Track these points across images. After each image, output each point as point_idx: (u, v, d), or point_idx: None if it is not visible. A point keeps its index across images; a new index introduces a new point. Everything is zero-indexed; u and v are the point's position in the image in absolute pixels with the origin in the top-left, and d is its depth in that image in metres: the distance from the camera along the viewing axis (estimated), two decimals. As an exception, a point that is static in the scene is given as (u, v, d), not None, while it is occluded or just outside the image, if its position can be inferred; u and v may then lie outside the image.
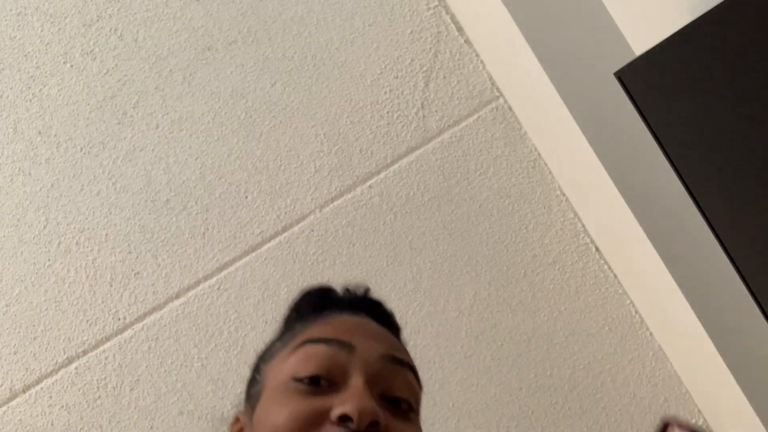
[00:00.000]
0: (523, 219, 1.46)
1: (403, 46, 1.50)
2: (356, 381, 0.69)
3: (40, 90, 1.43)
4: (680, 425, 0.47)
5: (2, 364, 1.34)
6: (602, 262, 1.46)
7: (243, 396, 0.80)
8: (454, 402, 1.36)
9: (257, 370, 0.78)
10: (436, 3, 1.52)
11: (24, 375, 1.34)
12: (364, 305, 0.84)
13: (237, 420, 0.78)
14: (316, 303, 0.83)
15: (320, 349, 0.71)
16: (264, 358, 0.78)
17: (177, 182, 1.42)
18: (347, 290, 0.86)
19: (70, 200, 1.40)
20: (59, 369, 1.34)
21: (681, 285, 1.28)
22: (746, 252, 0.99)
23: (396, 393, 0.71)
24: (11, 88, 1.43)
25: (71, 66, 1.44)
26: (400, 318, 0.82)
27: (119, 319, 1.37)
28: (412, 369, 0.74)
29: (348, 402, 0.66)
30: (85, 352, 1.35)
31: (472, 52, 1.51)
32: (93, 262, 1.38)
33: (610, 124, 1.31)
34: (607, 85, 1.18)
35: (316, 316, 0.79)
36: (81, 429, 1.33)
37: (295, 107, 1.46)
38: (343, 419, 0.65)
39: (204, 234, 1.41)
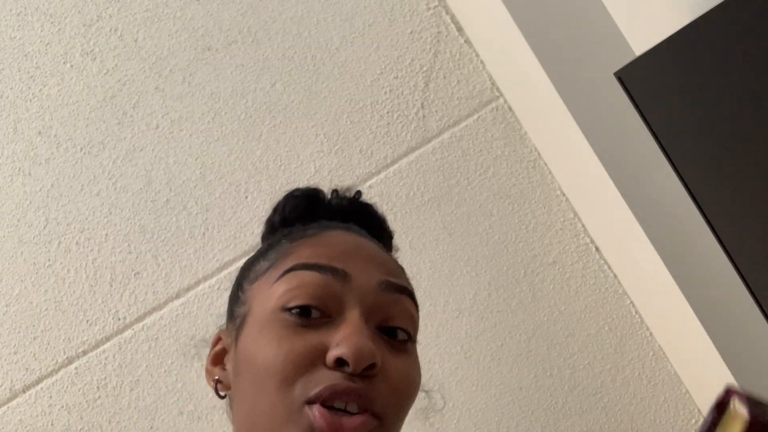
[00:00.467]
0: (523, 219, 1.46)
1: (403, 46, 1.50)
2: (352, 315, 0.64)
3: (40, 90, 1.43)
4: (742, 395, 0.45)
5: (2, 364, 1.34)
6: (602, 262, 1.46)
7: (226, 314, 0.76)
8: (454, 402, 1.36)
9: (241, 288, 0.73)
10: (436, 3, 1.52)
11: (24, 375, 1.34)
12: (354, 211, 0.78)
13: (219, 339, 0.74)
14: (303, 210, 0.78)
15: (312, 276, 0.66)
16: (248, 277, 0.73)
17: (177, 182, 1.42)
18: (336, 193, 0.80)
19: (70, 200, 1.40)
20: (59, 369, 1.34)
21: (681, 285, 1.28)
22: (746, 252, 0.99)
23: (394, 323, 0.67)
24: (11, 88, 1.43)
25: (71, 66, 1.44)
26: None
27: (119, 319, 1.37)
28: (410, 294, 0.70)
29: (343, 343, 0.62)
30: (85, 352, 1.35)
31: (472, 52, 1.51)
32: (93, 262, 1.38)
33: (610, 124, 1.31)
34: (607, 85, 1.18)
35: (305, 230, 0.73)
36: (81, 429, 1.33)
37: (295, 107, 1.46)
38: (340, 362, 0.62)
39: (204, 234, 1.41)
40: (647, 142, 1.06)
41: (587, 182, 1.39)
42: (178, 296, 1.38)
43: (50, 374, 1.34)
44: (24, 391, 1.33)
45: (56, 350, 1.35)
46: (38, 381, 1.34)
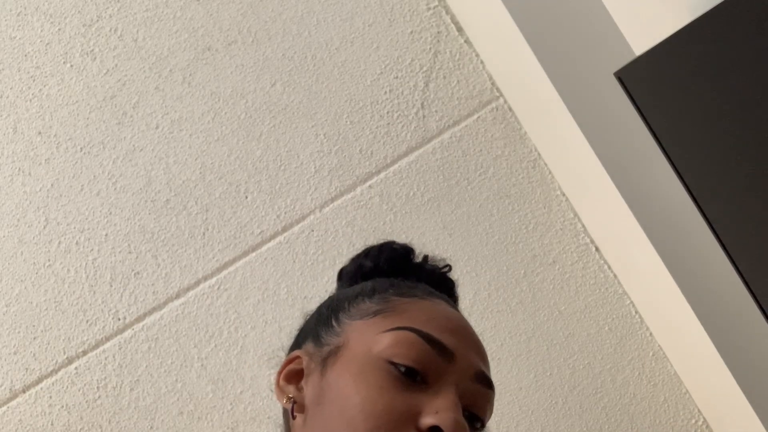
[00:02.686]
0: (523, 219, 1.46)
1: (403, 46, 1.50)
2: (450, 391, 0.68)
3: (40, 90, 1.43)
4: None
5: (2, 364, 1.34)
6: (602, 262, 1.46)
7: (307, 333, 0.77)
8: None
9: (336, 318, 0.75)
10: (436, 3, 1.52)
11: (24, 375, 1.34)
12: (442, 283, 0.83)
13: (296, 358, 0.75)
14: (397, 265, 0.81)
15: (423, 345, 0.69)
16: (348, 311, 0.75)
17: (177, 182, 1.42)
18: (427, 260, 0.84)
19: (70, 200, 1.40)
20: (59, 369, 1.34)
21: (681, 285, 1.28)
22: (746, 252, 0.99)
23: (477, 412, 0.71)
24: (11, 88, 1.43)
25: (71, 66, 1.44)
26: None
27: (119, 319, 1.37)
28: (494, 389, 0.75)
29: (442, 413, 0.65)
30: (85, 352, 1.35)
31: (472, 52, 1.51)
32: (93, 262, 1.38)
33: (610, 124, 1.31)
34: (607, 85, 1.18)
35: (413, 289, 0.76)
36: (81, 429, 1.33)
37: (295, 107, 1.46)
38: (433, 430, 0.65)
39: (204, 234, 1.41)
40: (647, 142, 1.06)
41: (587, 182, 1.39)
42: (178, 296, 1.38)
43: (50, 374, 1.34)
44: (24, 391, 1.33)
45: (56, 350, 1.35)
46: (38, 381, 1.34)
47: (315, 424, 0.69)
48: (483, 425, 0.73)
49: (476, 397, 0.71)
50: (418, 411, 0.66)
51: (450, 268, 0.86)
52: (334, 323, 0.75)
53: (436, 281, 0.83)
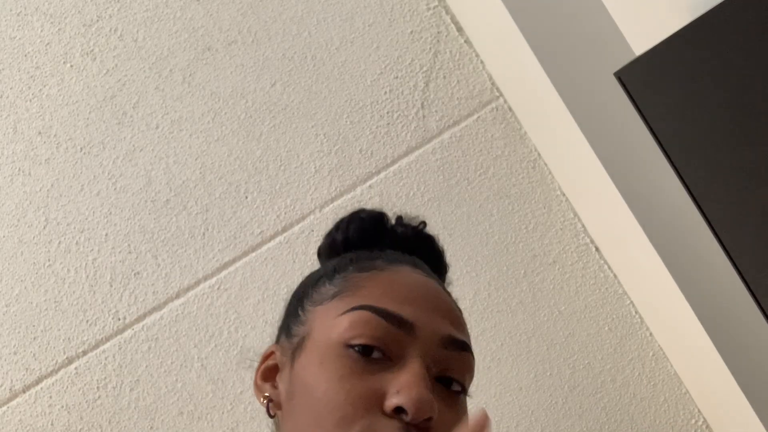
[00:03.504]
0: (523, 219, 1.46)
1: (403, 46, 1.50)
2: (414, 364, 0.65)
3: (40, 90, 1.43)
4: None
5: (2, 364, 1.34)
6: (602, 262, 1.46)
7: (281, 326, 0.76)
8: None
9: (302, 306, 0.73)
10: (436, 3, 1.52)
11: (24, 375, 1.34)
12: (418, 242, 0.79)
13: (271, 353, 0.74)
14: (368, 234, 0.78)
15: (377, 321, 0.66)
16: (311, 297, 0.73)
17: (177, 182, 1.42)
18: (400, 220, 0.80)
19: (70, 200, 1.40)
20: (59, 369, 1.34)
21: (681, 285, 1.28)
22: (746, 252, 0.99)
23: (452, 375, 0.68)
24: (11, 88, 1.43)
25: (71, 66, 1.44)
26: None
27: (119, 319, 1.37)
28: (471, 349, 0.70)
29: (404, 392, 0.62)
30: (85, 352, 1.35)
31: (472, 52, 1.51)
32: (93, 262, 1.38)
33: (610, 124, 1.31)
34: (607, 85, 1.18)
35: (373, 260, 0.73)
36: (81, 429, 1.33)
37: (295, 107, 1.46)
38: (398, 411, 0.62)
39: (204, 234, 1.41)
40: (647, 142, 1.06)
41: (587, 182, 1.39)
42: (178, 296, 1.38)
43: (50, 374, 1.34)
44: (24, 391, 1.33)
45: (56, 350, 1.35)
46: (38, 381, 1.34)
47: (290, 421, 0.67)
48: (464, 389, 0.69)
49: (449, 361, 0.67)
50: (382, 393, 0.64)
51: (425, 224, 0.81)
52: (300, 312, 0.73)
53: (413, 243, 0.79)
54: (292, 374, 0.69)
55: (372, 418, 0.62)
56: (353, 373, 0.64)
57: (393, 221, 0.81)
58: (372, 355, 0.65)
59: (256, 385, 0.74)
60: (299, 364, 0.68)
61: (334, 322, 0.68)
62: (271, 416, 0.71)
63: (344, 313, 0.68)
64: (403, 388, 0.63)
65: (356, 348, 0.65)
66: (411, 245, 0.79)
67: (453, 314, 0.71)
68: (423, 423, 0.63)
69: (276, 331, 0.79)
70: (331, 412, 0.63)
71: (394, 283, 0.71)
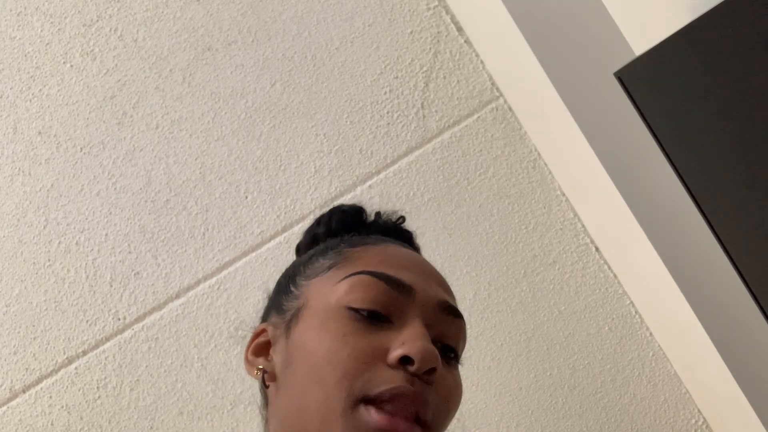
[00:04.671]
0: (523, 219, 1.46)
1: (403, 46, 1.50)
2: (415, 322, 0.67)
3: (40, 90, 1.43)
4: None
5: (2, 364, 1.34)
6: (602, 262, 1.46)
7: (270, 306, 0.77)
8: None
9: (293, 282, 0.75)
10: (436, 3, 1.52)
11: (24, 375, 1.34)
12: (398, 234, 0.82)
13: (262, 331, 0.75)
14: (349, 225, 0.80)
15: (379, 284, 0.68)
16: (303, 273, 0.75)
17: (177, 182, 1.42)
18: (379, 215, 0.83)
19: (70, 200, 1.40)
20: (59, 369, 1.34)
21: (681, 285, 1.28)
22: (746, 252, 0.99)
23: (448, 341, 0.70)
24: (11, 88, 1.43)
25: (71, 66, 1.44)
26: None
27: (119, 319, 1.37)
28: (463, 316, 0.73)
29: (409, 342, 0.64)
30: (85, 352, 1.35)
31: (472, 52, 1.51)
32: (93, 262, 1.38)
33: (610, 124, 1.31)
34: (607, 85, 1.18)
35: (365, 239, 0.76)
36: (81, 429, 1.33)
37: (295, 107, 1.46)
38: (403, 361, 0.64)
39: (204, 234, 1.41)
40: (647, 142, 1.06)
41: (587, 182, 1.39)
42: (178, 296, 1.38)
43: (50, 374, 1.34)
44: (24, 391, 1.33)
45: (56, 350, 1.35)
46: (38, 381, 1.34)
47: (288, 387, 0.68)
48: (456, 356, 0.71)
49: (444, 326, 0.70)
50: (385, 348, 0.65)
51: (404, 219, 0.84)
52: (292, 288, 0.74)
53: (393, 234, 0.82)
54: (289, 343, 0.70)
55: (376, 371, 0.63)
56: (355, 331, 0.66)
57: (371, 217, 0.83)
58: (376, 319, 0.67)
59: (247, 360, 0.75)
60: (296, 331, 0.69)
61: (333, 289, 0.69)
62: (266, 387, 0.72)
63: (343, 279, 0.69)
64: (407, 340, 0.64)
65: (360, 312, 0.67)
66: (391, 236, 0.81)
67: (445, 284, 0.74)
68: (426, 376, 0.64)
69: (263, 312, 0.80)
70: (335, 369, 0.63)
71: (388, 254, 0.73)
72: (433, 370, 0.64)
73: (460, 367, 0.73)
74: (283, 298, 0.75)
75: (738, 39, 0.90)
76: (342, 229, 0.80)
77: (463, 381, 0.72)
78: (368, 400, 0.62)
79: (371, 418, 0.61)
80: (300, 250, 0.85)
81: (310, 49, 1.48)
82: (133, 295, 1.38)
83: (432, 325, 0.68)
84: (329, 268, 0.72)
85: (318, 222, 0.83)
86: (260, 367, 0.72)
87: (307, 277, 0.74)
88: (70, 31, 1.45)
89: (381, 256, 0.72)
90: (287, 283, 0.76)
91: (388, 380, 0.63)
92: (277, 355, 0.72)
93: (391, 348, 0.65)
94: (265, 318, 0.78)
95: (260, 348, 0.75)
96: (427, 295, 0.70)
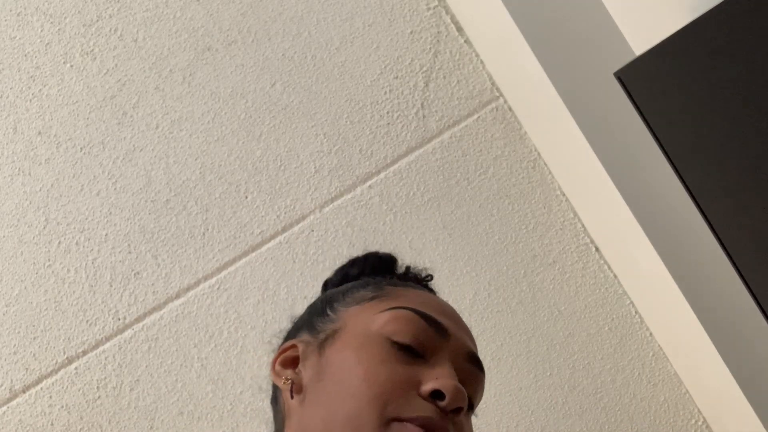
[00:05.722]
0: (523, 219, 1.46)
1: (403, 46, 1.50)
2: (446, 365, 0.70)
3: (40, 90, 1.43)
4: None
5: (2, 364, 1.34)
6: (602, 262, 1.46)
7: (300, 325, 0.80)
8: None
9: (331, 307, 0.78)
10: (436, 3, 1.52)
11: (24, 375, 1.34)
12: (427, 288, 0.86)
13: (294, 346, 0.78)
14: (384, 269, 0.85)
15: (420, 322, 0.72)
16: (343, 300, 0.78)
17: (177, 182, 1.42)
18: (409, 270, 0.88)
19: (70, 200, 1.40)
20: (59, 369, 1.34)
21: (681, 285, 1.28)
22: (746, 252, 0.99)
23: (469, 392, 0.73)
24: (11, 88, 1.43)
25: (71, 66, 1.44)
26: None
27: (119, 319, 1.37)
28: (484, 372, 0.77)
29: (443, 379, 0.67)
30: (85, 352, 1.35)
31: (472, 52, 1.51)
32: (93, 262, 1.38)
33: (610, 124, 1.31)
34: (607, 85, 1.18)
35: (403, 282, 0.81)
36: (81, 429, 1.33)
37: (295, 107, 1.46)
38: (434, 395, 0.67)
39: (204, 234, 1.41)
40: (647, 142, 1.06)
41: (587, 182, 1.39)
42: (178, 296, 1.38)
43: (50, 374, 1.34)
44: (24, 391, 1.33)
45: (56, 350, 1.35)
46: (38, 381, 1.34)
47: (316, 399, 0.70)
48: (472, 407, 0.75)
49: (469, 376, 0.73)
50: (418, 380, 0.68)
51: (431, 277, 0.89)
52: (329, 312, 0.77)
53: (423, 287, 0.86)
54: (322, 360, 0.72)
55: (409, 398, 0.66)
56: (392, 360, 0.69)
57: (402, 270, 0.88)
58: (409, 350, 0.70)
59: (274, 371, 0.77)
60: (332, 350, 0.72)
61: (374, 317, 0.73)
62: (291, 398, 0.74)
63: (385, 310, 0.73)
64: (441, 377, 0.68)
65: (399, 344, 0.71)
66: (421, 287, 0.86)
67: (474, 341, 0.79)
68: (453, 414, 0.67)
69: (289, 330, 0.83)
70: (371, 387, 0.66)
71: (427, 298, 0.78)
72: (460, 410, 0.68)
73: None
74: (317, 319, 0.78)
75: (738, 39, 0.90)
76: (374, 273, 0.85)
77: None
78: (401, 420, 0.65)
79: (406, 429, 0.64)
80: (327, 286, 0.89)
81: (310, 49, 1.48)
82: (133, 295, 1.38)
83: (459, 373, 0.72)
84: (371, 299, 0.76)
85: (352, 263, 0.87)
86: (288, 378, 0.74)
87: (346, 304, 0.77)
88: (70, 31, 1.45)
89: (422, 298, 0.77)
90: (324, 307, 0.79)
91: (420, 409, 0.66)
92: (306, 369, 0.74)
93: (423, 381, 0.68)
94: (293, 335, 0.81)
95: (288, 361, 0.77)
96: (460, 343, 0.74)
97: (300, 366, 0.75)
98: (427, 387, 0.67)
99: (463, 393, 0.67)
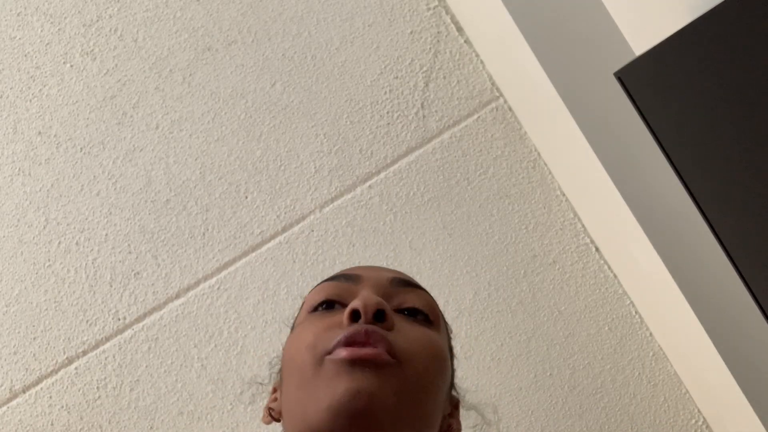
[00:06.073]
0: (523, 219, 1.46)
1: (403, 46, 1.50)
2: (361, 293, 0.70)
3: (40, 90, 1.43)
4: None
5: (2, 364, 1.34)
6: (602, 262, 1.46)
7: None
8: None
9: (293, 327, 0.80)
10: (436, 3, 1.52)
11: (24, 375, 1.34)
12: None
13: (274, 390, 0.80)
14: None
15: (329, 283, 0.74)
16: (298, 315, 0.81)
17: (177, 182, 1.42)
18: None
19: (70, 200, 1.40)
20: (59, 369, 1.34)
21: (681, 285, 1.28)
22: (746, 252, 0.99)
23: (409, 305, 0.72)
24: (11, 88, 1.43)
25: (71, 66, 1.44)
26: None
27: (119, 319, 1.37)
28: (425, 291, 0.75)
29: (353, 302, 0.67)
30: (85, 352, 1.35)
31: (472, 52, 1.51)
32: (93, 262, 1.38)
33: (610, 124, 1.31)
34: (607, 85, 1.18)
35: None
36: (81, 429, 1.33)
37: (295, 107, 1.46)
38: (353, 318, 0.66)
39: (204, 234, 1.41)
40: (647, 142, 1.06)
41: (587, 182, 1.39)
42: (178, 296, 1.38)
43: (50, 374, 1.34)
44: (24, 391, 1.33)
45: (56, 350, 1.35)
46: (38, 381, 1.34)
47: (284, 399, 0.71)
48: (428, 318, 0.72)
49: (402, 296, 0.72)
50: (340, 320, 0.68)
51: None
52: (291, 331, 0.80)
53: None
54: (282, 385, 0.73)
55: (332, 333, 0.66)
56: (314, 319, 0.71)
57: None
58: (333, 307, 0.72)
59: (264, 416, 0.79)
60: (283, 353, 0.74)
61: (300, 315, 0.75)
62: (276, 420, 0.76)
63: (303, 305, 0.76)
64: (354, 299, 0.68)
65: (318, 308, 0.72)
66: None
67: (400, 272, 0.78)
68: (379, 323, 0.66)
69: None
70: (304, 352, 0.66)
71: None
72: (381, 314, 0.66)
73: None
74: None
75: (738, 39, 0.90)
76: None
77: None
78: (330, 352, 0.65)
79: (339, 356, 0.63)
80: None
81: (310, 49, 1.48)
82: (133, 295, 1.38)
83: (389, 298, 0.71)
84: (299, 309, 0.79)
85: None
86: (268, 407, 0.77)
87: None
88: (70, 31, 1.45)
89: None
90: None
91: (342, 332, 0.65)
92: (279, 391, 0.76)
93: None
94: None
95: (272, 400, 0.80)
96: (376, 276, 0.74)
97: (277, 395, 0.78)
98: (345, 314, 0.67)
99: (373, 298, 0.67)
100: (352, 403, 0.60)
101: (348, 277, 0.73)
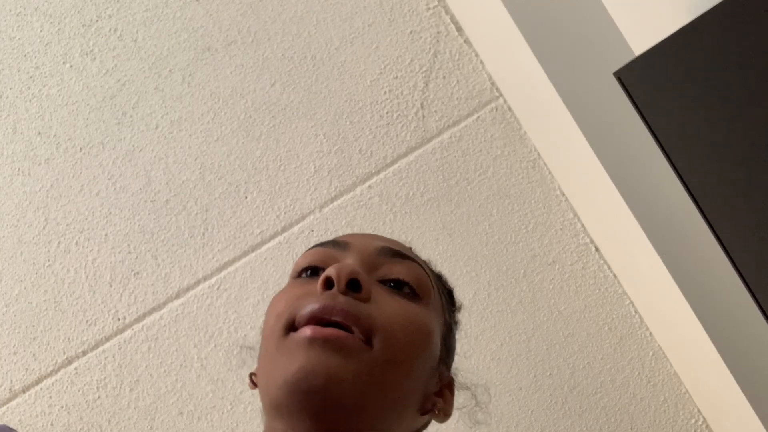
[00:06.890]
0: (523, 219, 1.46)
1: (402, 46, 1.50)
2: (348, 258, 0.68)
3: (40, 90, 1.43)
4: None
5: (2, 364, 1.34)
6: (602, 262, 1.46)
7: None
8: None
9: None
10: (436, 3, 1.52)
11: (24, 375, 1.34)
12: None
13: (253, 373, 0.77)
14: None
15: (317, 249, 0.71)
16: None
17: (177, 182, 1.42)
18: None
19: (70, 200, 1.40)
20: (59, 369, 1.34)
21: (681, 285, 1.28)
22: (746, 252, 0.99)
23: (394, 276, 0.69)
24: (11, 88, 1.43)
25: (71, 66, 1.44)
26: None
27: (119, 319, 1.37)
28: (418, 262, 0.72)
29: (329, 268, 0.65)
30: (85, 352, 1.35)
31: (472, 52, 1.51)
32: (93, 262, 1.38)
33: (609, 124, 1.31)
34: (607, 85, 1.18)
35: None
36: (81, 429, 1.33)
37: (295, 107, 1.46)
38: (327, 285, 0.64)
39: (204, 234, 1.41)
40: (647, 142, 1.06)
41: (587, 182, 1.39)
42: (178, 296, 1.38)
43: (50, 374, 1.34)
44: (24, 391, 1.33)
45: (56, 350, 1.35)
46: (38, 381, 1.34)
47: (258, 366, 0.70)
48: (414, 292, 0.69)
49: (388, 267, 0.69)
50: (316, 289, 0.66)
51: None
52: None
53: None
54: (259, 358, 0.72)
55: (304, 301, 0.64)
56: (294, 285, 0.69)
57: None
58: (317, 274, 0.69)
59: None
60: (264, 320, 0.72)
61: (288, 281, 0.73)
62: (255, 386, 0.73)
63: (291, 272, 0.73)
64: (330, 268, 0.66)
65: (302, 274, 0.70)
66: None
67: (394, 240, 0.75)
68: (352, 289, 0.64)
69: None
70: (277, 318, 0.65)
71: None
72: (356, 283, 0.64)
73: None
74: None
75: (738, 39, 0.90)
76: None
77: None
78: (297, 326, 0.63)
79: (303, 334, 0.61)
80: None
81: (310, 49, 1.48)
82: (133, 295, 1.38)
83: (373, 268, 0.68)
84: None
85: None
86: (253, 373, 0.74)
87: None
88: (69, 31, 1.45)
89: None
90: None
91: (312, 302, 0.63)
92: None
93: None
94: None
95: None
96: (364, 245, 0.70)
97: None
98: (319, 282, 0.64)
99: (348, 266, 0.64)
100: (305, 381, 0.59)
101: (336, 244, 0.71)
